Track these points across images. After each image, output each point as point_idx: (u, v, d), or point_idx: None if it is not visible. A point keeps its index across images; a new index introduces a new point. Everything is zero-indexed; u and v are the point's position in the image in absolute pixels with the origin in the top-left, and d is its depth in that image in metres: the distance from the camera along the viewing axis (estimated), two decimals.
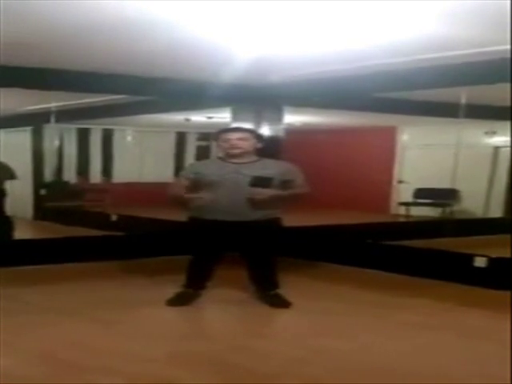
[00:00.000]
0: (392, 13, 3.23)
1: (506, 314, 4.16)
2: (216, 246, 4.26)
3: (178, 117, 7.72)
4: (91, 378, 2.98)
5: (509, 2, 2.96)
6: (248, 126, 5.82)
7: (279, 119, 6.06)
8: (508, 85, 4.56)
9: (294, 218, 5.91)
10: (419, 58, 4.34)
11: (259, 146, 4.24)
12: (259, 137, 4.33)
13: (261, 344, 3.56)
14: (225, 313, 4.36)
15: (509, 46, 3.83)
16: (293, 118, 6.52)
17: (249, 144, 4.15)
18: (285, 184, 4.17)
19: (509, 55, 4.06)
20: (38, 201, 8.13)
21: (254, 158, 4.21)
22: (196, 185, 4.19)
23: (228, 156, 4.18)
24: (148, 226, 6.53)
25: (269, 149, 5.72)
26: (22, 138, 8.21)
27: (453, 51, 4.15)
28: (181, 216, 4.45)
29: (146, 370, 3.08)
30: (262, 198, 4.01)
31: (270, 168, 4.16)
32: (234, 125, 5.81)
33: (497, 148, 7.81)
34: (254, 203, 4.04)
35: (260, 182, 4.02)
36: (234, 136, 4.14)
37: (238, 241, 4.24)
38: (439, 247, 5.43)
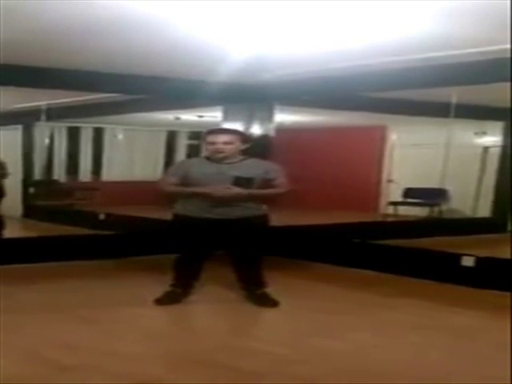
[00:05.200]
0: (385, 12, 3.24)
1: (493, 313, 4.20)
2: (202, 243, 4.30)
3: (168, 115, 7.71)
4: (77, 377, 2.97)
5: (507, 1, 2.95)
6: (238, 125, 5.85)
7: (270, 118, 6.07)
8: (499, 85, 4.58)
9: (283, 218, 5.94)
10: (411, 57, 4.36)
11: (244, 147, 4.29)
12: (244, 138, 4.38)
13: (248, 343, 3.55)
14: (212, 312, 4.36)
15: (508, 46, 3.83)
16: (284, 117, 6.52)
17: (233, 147, 4.20)
18: (266, 183, 4.24)
19: (505, 55, 4.06)
20: (28, 199, 8.11)
21: (239, 157, 4.26)
22: (183, 183, 4.26)
23: (213, 157, 4.24)
24: (136, 224, 6.53)
25: (259, 148, 5.78)
26: (12, 136, 8.17)
27: (446, 51, 4.16)
28: (170, 214, 4.45)
29: (133, 370, 3.07)
30: (221, 195, 4.06)
31: (253, 168, 4.23)
32: (225, 124, 5.83)
33: (486, 148, 7.84)
34: (219, 200, 4.09)
35: (241, 181, 4.11)
36: (219, 139, 4.17)
37: (223, 239, 4.29)
38: (427, 247, 5.45)
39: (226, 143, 4.17)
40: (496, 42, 3.86)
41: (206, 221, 4.16)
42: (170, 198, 4.39)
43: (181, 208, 4.29)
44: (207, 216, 4.16)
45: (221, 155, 4.18)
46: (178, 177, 4.27)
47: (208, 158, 4.28)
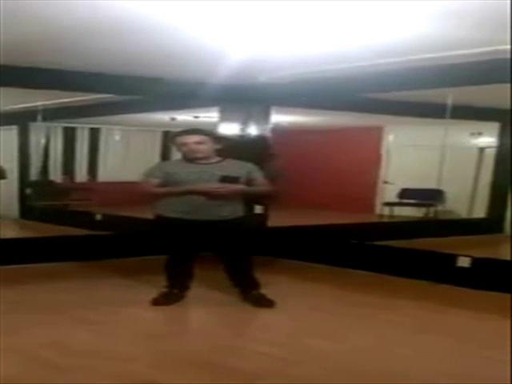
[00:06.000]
0: (382, 14, 3.24)
1: (489, 313, 4.21)
2: (191, 244, 4.29)
3: (164, 116, 7.71)
4: (73, 377, 2.97)
5: (507, 2, 2.96)
6: (235, 125, 5.87)
7: (266, 119, 6.08)
8: (494, 86, 4.60)
9: (280, 218, 5.95)
10: (409, 58, 4.37)
11: (217, 147, 4.28)
12: (216, 138, 4.36)
13: (245, 344, 3.56)
14: (208, 313, 4.35)
15: (508, 47, 3.84)
16: (280, 118, 6.53)
17: (206, 147, 4.19)
18: (248, 182, 4.26)
19: (505, 56, 4.07)
20: (24, 200, 8.10)
21: (217, 158, 4.26)
22: (165, 184, 4.22)
23: (190, 159, 4.22)
24: (132, 225, 6.52)
25: (256, 148, 5.79)
26: (8, 137, 8.16)
27: (445, 52, 4.17)
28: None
29: (129, 370, 3.07)
30: (221, 192, 4.08)
31: (236, 167, 4.25)
32: (223, 124, 5.84)
33: (482, 149, 7.86)
34: (214, 198, 4.10)
35: (228, 180, 4.12)
36: (191, 140, 4.16)
37: (208, 240, 4.27)
38: (423, 247, 5.47)
39: (197, 143, 4.15)
40: (496, 43, 3.87)
41: (194, 222, 4.14)
42: (156, 199, 4.31)
43: (165, 209, 4.22)
44: (194, 217, 4.13)
45: (196, 155, 4.16)
46: (160, 178, 4.23)
47: (186, 159, 4.24)
